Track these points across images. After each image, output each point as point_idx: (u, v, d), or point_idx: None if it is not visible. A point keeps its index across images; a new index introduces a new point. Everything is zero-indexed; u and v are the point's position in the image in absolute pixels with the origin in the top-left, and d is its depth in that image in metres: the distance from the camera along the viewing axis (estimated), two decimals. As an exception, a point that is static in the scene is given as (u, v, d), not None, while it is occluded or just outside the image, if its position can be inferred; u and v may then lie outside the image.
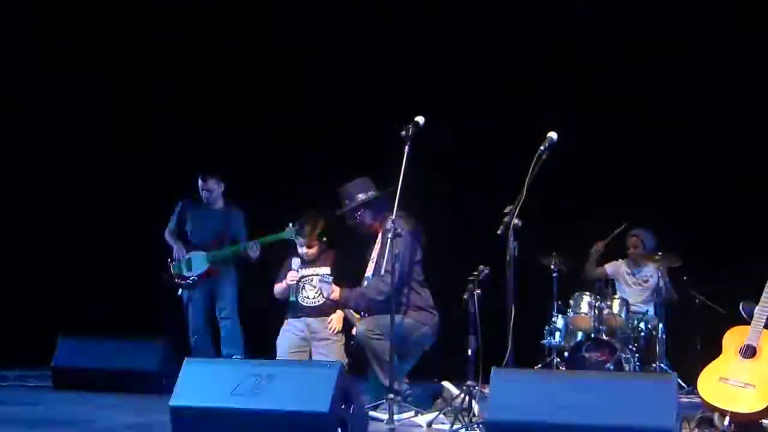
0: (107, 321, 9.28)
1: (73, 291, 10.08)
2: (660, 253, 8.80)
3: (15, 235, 10.00)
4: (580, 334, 8.66)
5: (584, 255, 9.24)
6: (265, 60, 10.22)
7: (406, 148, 6.29)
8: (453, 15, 9.81)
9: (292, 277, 7.19)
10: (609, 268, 9.35)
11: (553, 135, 6.19)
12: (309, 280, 7.20)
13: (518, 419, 5.21)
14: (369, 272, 6.83)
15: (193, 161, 9.21)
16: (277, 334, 7.17)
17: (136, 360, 7.98)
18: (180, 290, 8.60)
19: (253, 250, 8.37)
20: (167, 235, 8.76)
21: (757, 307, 6.19)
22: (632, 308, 8.87)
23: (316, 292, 7.13)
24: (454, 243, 8.94)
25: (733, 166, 9.17)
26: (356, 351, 6.74)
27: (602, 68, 9.50)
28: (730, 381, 6.04)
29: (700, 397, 6.14)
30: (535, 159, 6.13)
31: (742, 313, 6.36)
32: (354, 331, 6.76)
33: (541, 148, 6.15)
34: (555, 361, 8.54)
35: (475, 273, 6.38)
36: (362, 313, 6.80)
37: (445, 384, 6.73)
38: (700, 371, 6.21)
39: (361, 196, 6.88)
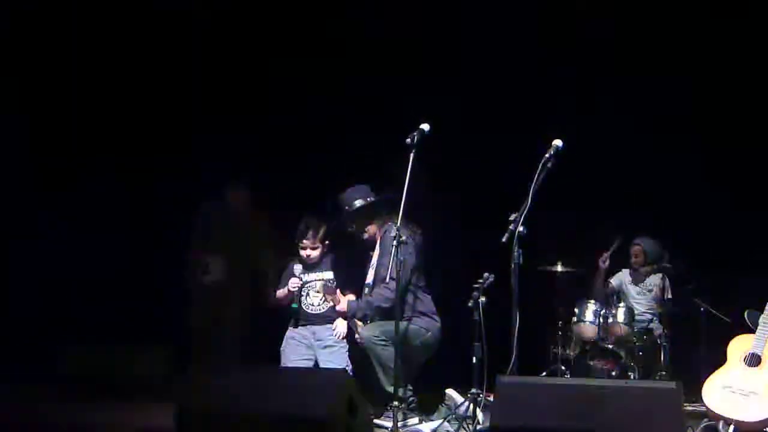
0: (111, 327, 9.28)
1: (76, 297, 10.06)
2: (665, 263, 8.77)
3: (16, 240, 10.03)
4: (585, 343, 8.65)
5: (587, 262, 9.20)
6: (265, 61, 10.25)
7: (411, 155, 6.29)
8: (452, 16, 9.82)
9: (294, 283, 7.11)
10: (614, 281, 9.33)
11: (558, 142, 6.19)
12: (312, 286, 7.15)
13: (523, 427, 5.21)
14: (369, 279, 6.84)
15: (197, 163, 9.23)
16: (280, 342, 7.12)
17: (140, 368, 7.98)
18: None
19: None
20: (194, 242, 8.69)
21: (762, 316, 6.20)
22: (637, 317, 8.86)
23: (320, 299, 7.08)
24: (458, 251, 8.93)
25: (738, 175, 9.16)
26: (360, 358, 6.75)
27: (604, 71, 9.49)
28: (735, 389, 6.04)
29: (704, 405, 6.14)
30: (540, 166, 6.13)
31: (747, 321, 6.37)
32: (357, 338, 6.76)
33: (546, 155, 6.15)
34: (560, 369, 8.54)
35: (480, 281, 6.40)
36: (366, 320, 6.81)
37: (449, 392, 6.72)
38: (705, 380, 6.21)
39: (358, 203, 6.90)
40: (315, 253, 7.16)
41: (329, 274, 7.14)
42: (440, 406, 6.71)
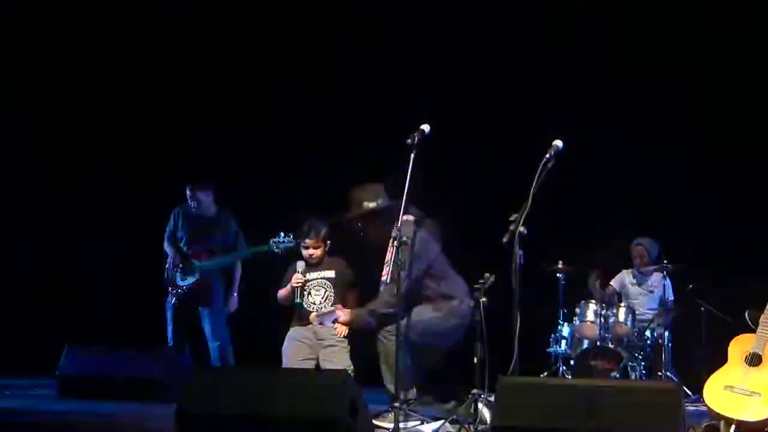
0: (113, 328, 9.29)
1: (78, 299, 10.07)
2: (665, 262, 8.78)
3: (17, 244, 10.02)
4: (586, 342, 8.66)
5: (588, 262, 9.20)
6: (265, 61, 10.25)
7: (412, 156, 6.28)
8: (453, 16, 9.82)
9: (297, 279, 7.11)
10: (615, 283, 9.33)
11: (558, 143, 6.16)
12: (314, 284, 7.13)
13: (524, 427, 5.21)
14: (385, 276, 6.80)
15: (197, 164, 9.23)
16: (281, 342, 7.12)
17: (140, 367, 7.98)
18: (170, 297, 8.57)
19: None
20: (166, 244, 8.74)
21: (763, 315, 6.19)
22: (638, 316, 8.86)
23: (322, 297, 7.08)
24: (459, 251, 8.92)
25: (738, 175, 9.17)
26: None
27: (604, 71, 9.49)
28: (736, 389, 6.03)
29: (706, 405, 6.13)
30: (540, 167, 6.10)
31: (748, 321, 6.36)
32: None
33: (547, 156, 6.13)
34: (561, 369, 8.54)
35: (481, 281, 6.39)
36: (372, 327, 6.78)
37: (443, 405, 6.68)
38: (706, 379, 6.21)
39: (367, 205, 6.86)
40: (317, 252, 7.17)
41: (330, 273, 7.13)
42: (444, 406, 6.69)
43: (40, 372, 8.71)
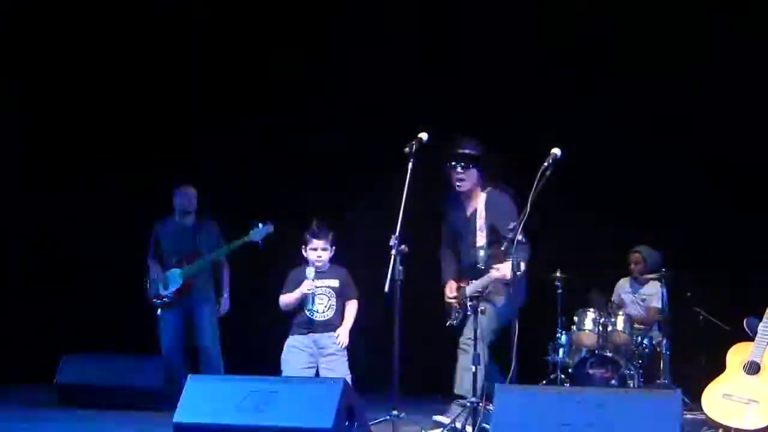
0: (111, 338, 9.28)
1: (76, 308, 10.07)
2: (663, 271, 8.72)
3: (17, 244, 10.03)
4: (584, 351, 8.60)
5: (587, 270, 9.14)
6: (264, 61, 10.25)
7: (410, 164, 6.26)
8: (453, 16, 9.81)
9: (308, 286, 6.94)
10: (614, 294, 9.32)
11: (557, 151, 6.15)
12: (319, 291, 7.03)
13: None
14: (482, 241, 6.70)
15: (197, 164, 9.22)
16: (280, 349, 7.05)
17: (139, 377, 7.97)
18: (159, 310, 8.53)
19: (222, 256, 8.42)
20: (148, 261, 8.66)
21: (761, 324, 6.20)
22: (636, 325, 8.83)
23: (325, 306, 7.01)
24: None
25: (738, 175, 9.16)
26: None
27: (604, 71, 9.48)
28: (734, 397, 6.05)
29: (704, 413, 6.14)
30: (538, 175, 6.10)
31: (746, 329, 6.37)
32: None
33: (545, 164, 6.12)
34: (559, 377, 8.51)
35: (480, 289, 6.39)
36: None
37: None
38: (704, 387, 6.22)
39: (474, 151, 6.83)
40: (326, 255, 7.04)
41: (335, 283, 7.03)
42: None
43: (38, 380, 8.67)
